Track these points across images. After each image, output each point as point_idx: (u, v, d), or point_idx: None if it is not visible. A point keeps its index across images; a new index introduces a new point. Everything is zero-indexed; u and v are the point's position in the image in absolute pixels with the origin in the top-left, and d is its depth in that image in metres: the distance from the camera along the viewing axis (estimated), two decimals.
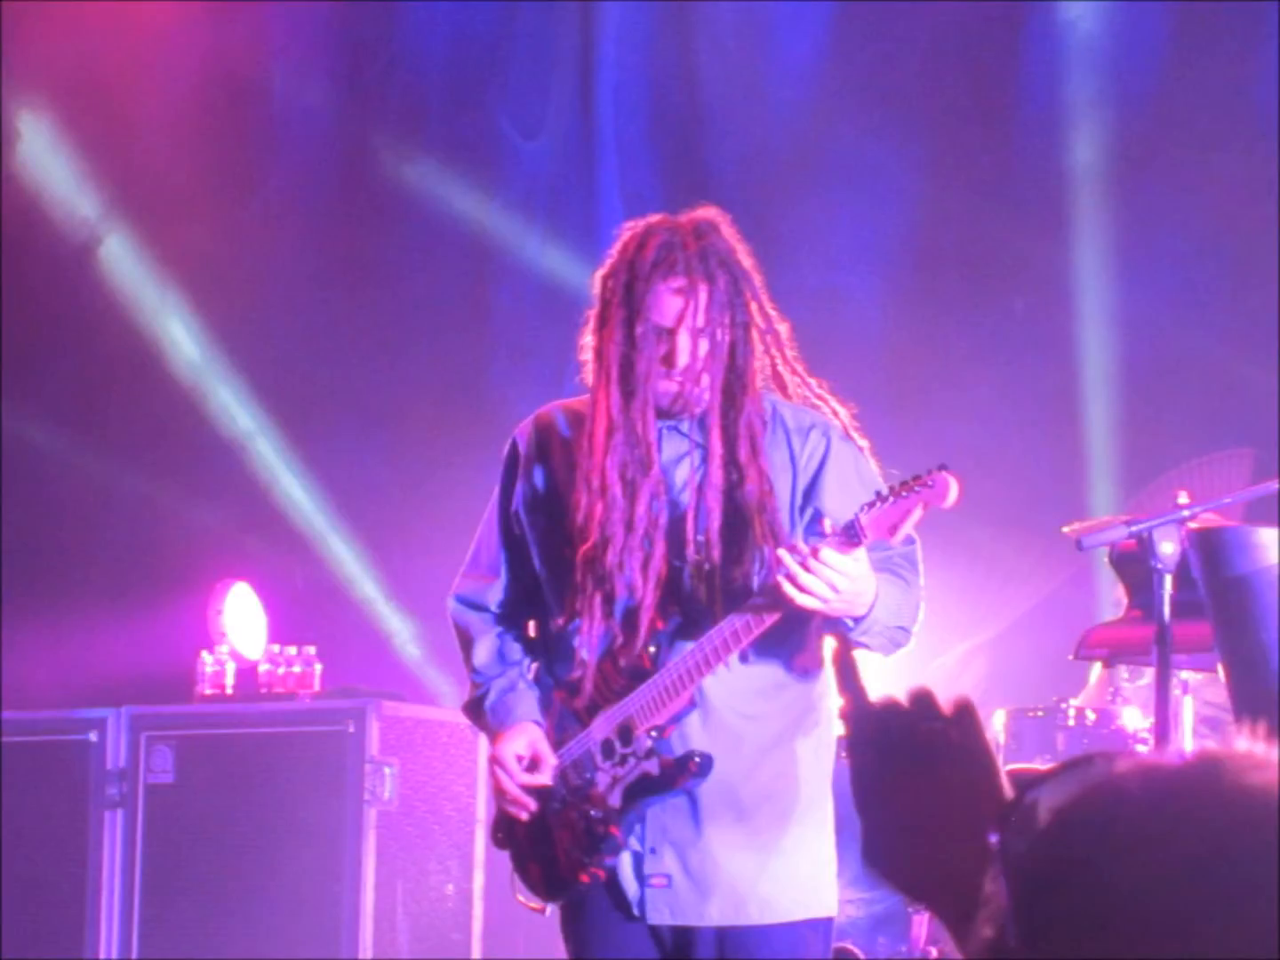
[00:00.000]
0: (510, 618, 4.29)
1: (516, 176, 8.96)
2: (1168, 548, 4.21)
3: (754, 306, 4.06)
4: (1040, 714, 6.90)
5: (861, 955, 6.67)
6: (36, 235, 8.91)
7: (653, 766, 4.05)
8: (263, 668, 7.22)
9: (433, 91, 9.05)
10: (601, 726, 4.11)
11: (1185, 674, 5.50)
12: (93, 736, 6.85)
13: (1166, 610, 4.21)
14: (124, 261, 8.94)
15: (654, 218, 4.11)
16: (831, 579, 3.81)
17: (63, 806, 6.85)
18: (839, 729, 3.39)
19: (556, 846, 4.14)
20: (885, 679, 3.40)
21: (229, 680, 7.21)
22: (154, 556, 8.78)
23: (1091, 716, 6.82)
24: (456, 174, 8.90)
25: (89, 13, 8.78)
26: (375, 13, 9.06)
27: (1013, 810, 1.40)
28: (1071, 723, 6.80)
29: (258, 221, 8.95)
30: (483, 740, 5.99)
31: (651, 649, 4.04)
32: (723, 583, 4.02)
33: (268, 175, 9.07)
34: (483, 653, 4.26)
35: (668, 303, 4.00)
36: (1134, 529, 4.24)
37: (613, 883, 4.08)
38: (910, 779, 1.71)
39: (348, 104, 9.08)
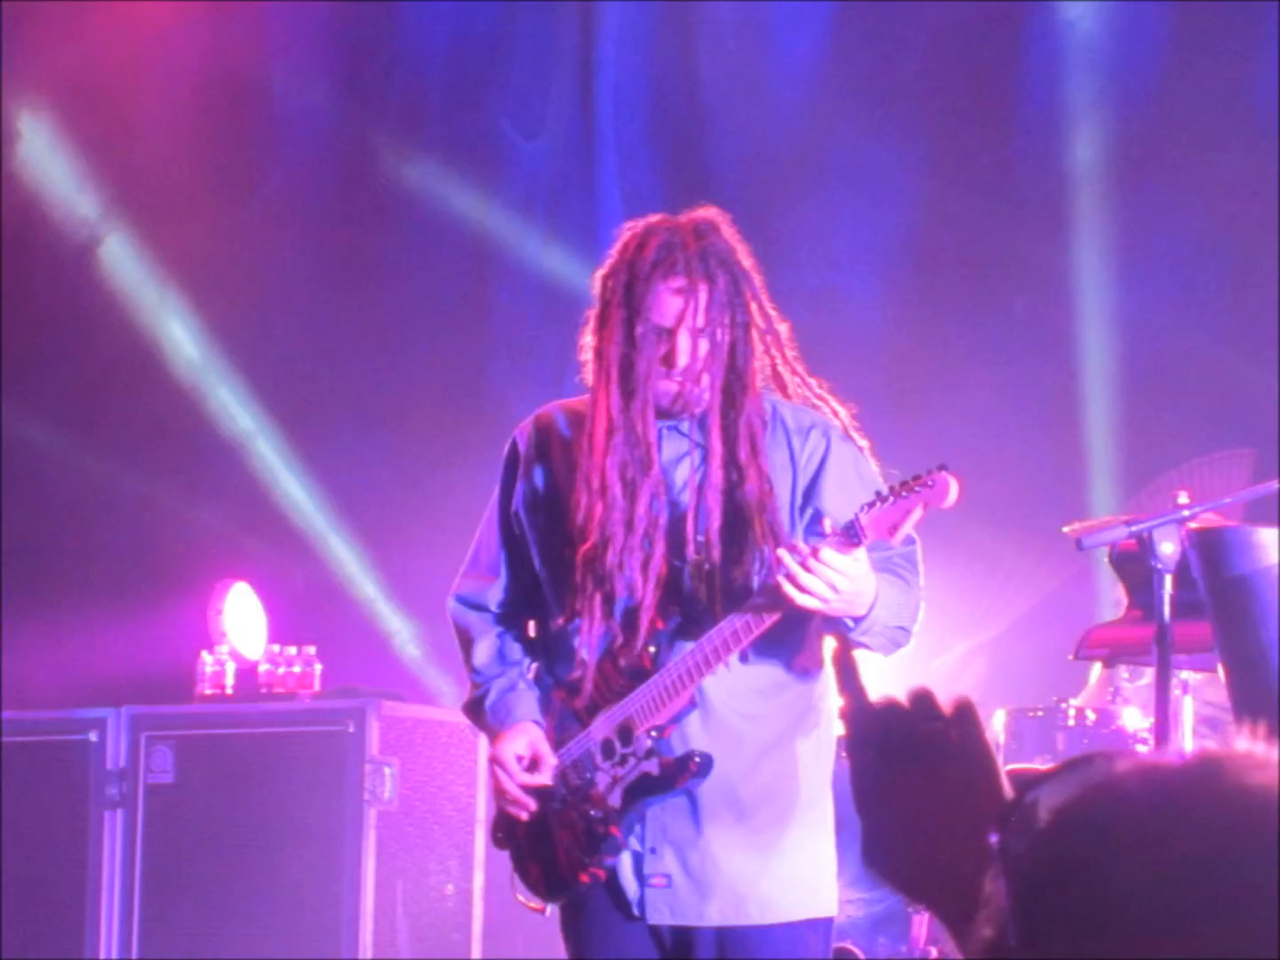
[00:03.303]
0: (510, 618, 4.29)
1: (516, 176, 8.97)
2: (1168, 548, 4.21)
3: (754, 306, 4.06)
4: (1040, 714, 6.90)
5: (861, 955, 6.67)
6: (36, 235, 8.91)
7: (653, 766, 4.05)
8: (263, 668, 7.22)
9: (433, 91, 9.05)
10: (601, 726, 4.11)
11: (1185, 674, 5.50)
12: (93, 736, 6.85)
13: (1166, 610, 4.21)
14: (124, 261, 8.94)
15: (654, 218, 4.11)
16: (831, 579, 3.81)
17: (63, 806, 6.85)
18: (839, 729, 3.39)
19: (556, 846, 4.14)
20: (885, 679, 3.40)
21: (229, 680, 7.21)
22: (154, 556, 8.78)
23: (1091, 716, 6.82)
24: (456, 174, 8.90)
25: (89, 13, 8.78)
26: (375, 13, 9.06)
27: (1013, 810, 1.40)
28: (1071, 723, 6.80)
29: (258, 221, 8.95)
30: (483, 740, 5.99)
31: (651, 649, 4.04)
32: (723, 583, 4.02)
33: (268, 175, 9.07)
34: (483, 653, 4.26)
35: (668, 303, 4.00)
36: (1134, 529, 4.24)
37: (613, 883, 4.08)
38: (910, 779, 1.72)
39: (348, 104, 9.08)
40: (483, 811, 6.73)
